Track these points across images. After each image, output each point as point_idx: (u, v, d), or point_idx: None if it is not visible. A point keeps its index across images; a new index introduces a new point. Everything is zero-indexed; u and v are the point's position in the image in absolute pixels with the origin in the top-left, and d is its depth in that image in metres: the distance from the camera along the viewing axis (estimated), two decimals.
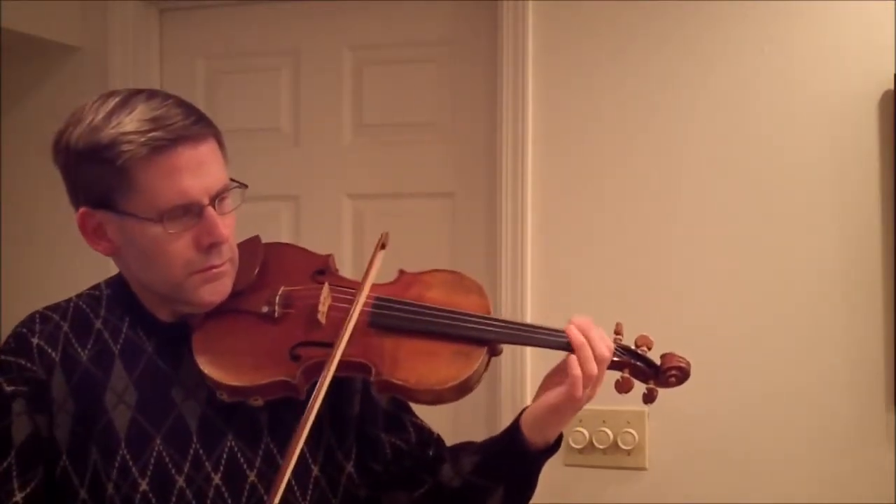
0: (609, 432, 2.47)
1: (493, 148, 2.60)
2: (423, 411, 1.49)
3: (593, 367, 1.39)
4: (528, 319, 2.47)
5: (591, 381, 1.39)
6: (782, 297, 2.39)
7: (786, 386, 2.38)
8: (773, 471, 2.39)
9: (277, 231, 2.78)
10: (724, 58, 2.43)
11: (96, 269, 1.63)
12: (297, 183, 2.83)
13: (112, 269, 1.48)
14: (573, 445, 2.49)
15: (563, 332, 1.41)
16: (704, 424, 2.43)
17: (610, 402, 2.44)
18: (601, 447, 2.48)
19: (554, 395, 1.41)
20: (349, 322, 1.36)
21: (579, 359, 1.38)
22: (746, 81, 2.42)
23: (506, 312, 2.48)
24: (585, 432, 2.48)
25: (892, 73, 2.31)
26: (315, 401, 1.30)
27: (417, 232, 2.71)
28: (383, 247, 1.47)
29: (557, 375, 1.43)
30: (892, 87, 2.31)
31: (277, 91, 2.87)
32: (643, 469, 2.48)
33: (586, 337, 1.40)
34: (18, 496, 1.37)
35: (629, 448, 2.46)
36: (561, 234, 2.54)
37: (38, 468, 1.39)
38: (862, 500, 2.31)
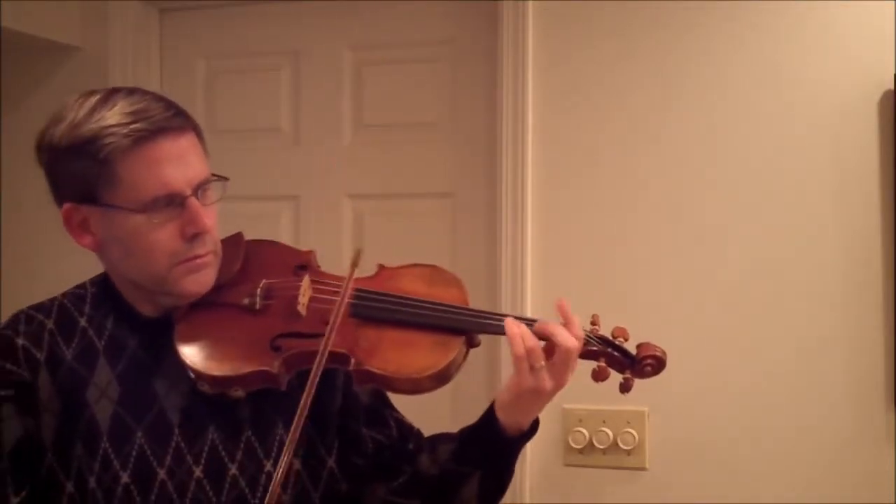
0: (609, 432, 2.47)
1: (493, 148, 2.59)
2: (424, 397, 1.48)
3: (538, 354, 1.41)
4: None
5: (538, 367, 1.40)
6: (782, 298, 2.39)
7: (786, 386, 2.39)
8: (774, 471, 2.39)
9: (277, 231, 2.78)
10: (723, 57, 2.43)
11: (96, 268, 1.62)
12: (297, 183, 2.83)
13: None
14: (573, 445, 2.49)
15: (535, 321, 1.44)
16: (704, 424, 2.43)
17: (610, 402, 2.47)
18: (601, 447, 2.48)
19: (512, 380, 1.44)
20: (335, 317, 1.35)
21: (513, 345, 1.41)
22: (746, 81, 2.42)
23: (506, 312, 2.46)
24: (585, 432, 2.48)
25: (892, 73, 2.31)
26: (308, 395, 1.31)
27: (417, 232, 2.71)
28: (355, 265, 1.46)
29: None
30: (892, 87, 2.31)
31: (277, 91, 2.87)
32: (643, 469, 2.47)
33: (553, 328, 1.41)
34: (14, 501, 1.37)
35: (629, 448, 2.46)
36: (561, 234, 2.54)
37: (31, 471, 1.39)
38: (862, 500, 2.31)
